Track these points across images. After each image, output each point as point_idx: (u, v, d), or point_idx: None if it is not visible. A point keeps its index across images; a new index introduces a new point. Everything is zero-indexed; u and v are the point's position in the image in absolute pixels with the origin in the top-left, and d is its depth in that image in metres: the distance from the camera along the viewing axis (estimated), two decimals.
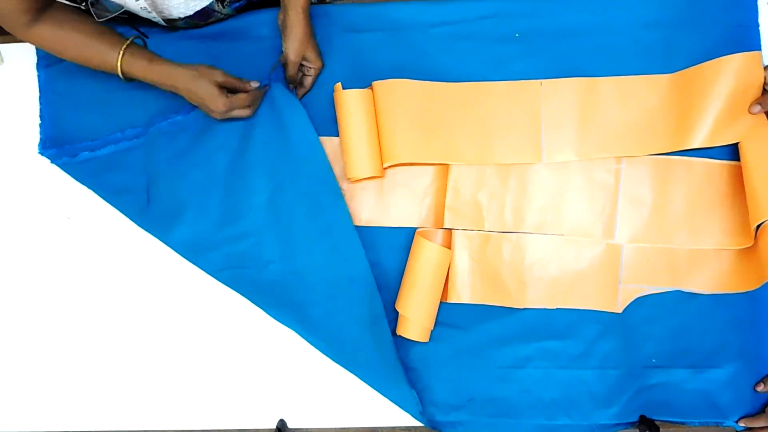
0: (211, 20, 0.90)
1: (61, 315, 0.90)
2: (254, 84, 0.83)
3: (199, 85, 0.79)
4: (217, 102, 0.79)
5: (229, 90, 0.81)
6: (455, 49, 0.88)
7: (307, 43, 0.84)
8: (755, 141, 0.81)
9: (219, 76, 0.80)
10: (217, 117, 0.81)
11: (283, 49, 0.84)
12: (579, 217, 0.86)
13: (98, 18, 0.79)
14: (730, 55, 0.81)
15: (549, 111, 0.86)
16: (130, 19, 0.86)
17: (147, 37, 0.85)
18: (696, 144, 0.83)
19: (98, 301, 0.89)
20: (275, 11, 0.87)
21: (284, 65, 0.85)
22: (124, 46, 0.80)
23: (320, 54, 0.87)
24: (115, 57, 0.80)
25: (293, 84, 0.87)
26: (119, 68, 0.81)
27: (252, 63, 0.88)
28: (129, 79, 0.83)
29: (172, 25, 0.89)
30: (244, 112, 0.82)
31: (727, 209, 0.84)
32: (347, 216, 0.85)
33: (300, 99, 0.88)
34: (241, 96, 0.81)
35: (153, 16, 0.84)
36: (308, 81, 0.88)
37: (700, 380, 0.84)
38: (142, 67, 0.81)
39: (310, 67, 0.87)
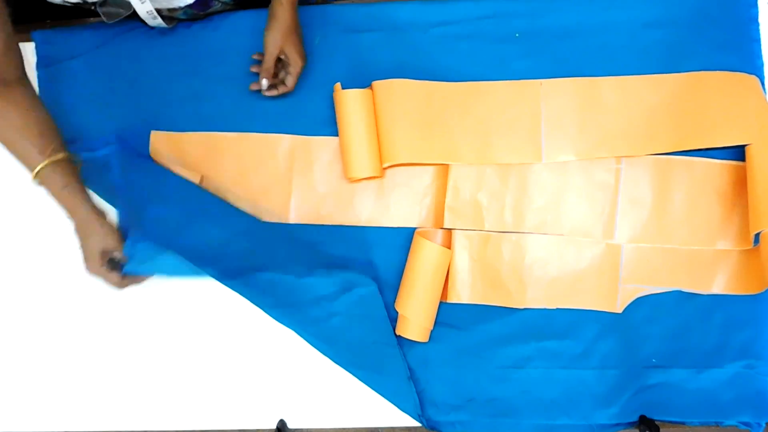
0: (210, 10, 0.90)
1: (61, 315, 0.90)
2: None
3: (88, 239, 0.79)
4: (89, 262, 0.79)
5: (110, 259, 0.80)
6: (455, 49, 0.88)
7: (288, 38, 0.82)
8: (763, 147, 0.81)
9: (111, 243, 0.78)
10: (85, 269, 0.80)
11: (263, 40, 0.83)
12: (579, 217, 0.86)
13: (108, 18, 0.78)
14: (732, 72, 0.83)
15: (549, 111, 0.86)
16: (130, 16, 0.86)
17: (81, 163, 0.81)
18: (695, 145, 0.83)
19: (98, 301, 0.89)
20: None
21: (262, 56, 0.84)
22: (53, 159, 0.76)
23: (303, 53, 0.85)
24: (37, 162, 0.75)
25: (267, 78, 0.85)
26: (34, 174, 0.76)
27: (245, 60, 0.89)
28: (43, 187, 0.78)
29: (172, 16, 0.88)
30: (111, 281, 0.80)
31: (727, 209, 0.84)
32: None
33: (280, 96, 0.87)
34: (114, 275, 0.79)
35: (154, 15, 0.83)
36: (290, 81, 0.85)
37: (700, 380, 0.84)
38: (54, 188, 0.77)
39: (290, 65, 0.85)
